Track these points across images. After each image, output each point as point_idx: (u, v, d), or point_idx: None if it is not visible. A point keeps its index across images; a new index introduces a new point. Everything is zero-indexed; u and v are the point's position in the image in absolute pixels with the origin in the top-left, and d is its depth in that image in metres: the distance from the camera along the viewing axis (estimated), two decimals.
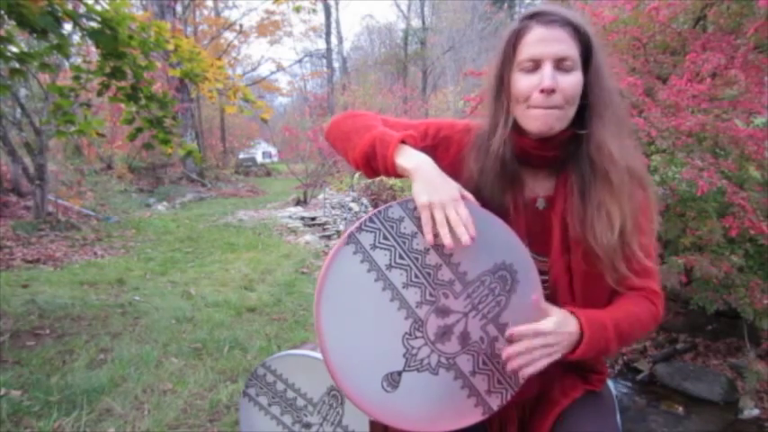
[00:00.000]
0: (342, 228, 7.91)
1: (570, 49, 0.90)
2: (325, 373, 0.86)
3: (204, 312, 3.73)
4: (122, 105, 3.49)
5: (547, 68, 0.89)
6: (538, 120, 0.91)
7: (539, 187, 1.01)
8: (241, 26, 16.84)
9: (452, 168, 0.95)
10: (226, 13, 19.06)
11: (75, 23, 2.90)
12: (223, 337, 3.21)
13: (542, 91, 0.88)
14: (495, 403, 0.92)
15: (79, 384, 2.41)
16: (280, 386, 1.31)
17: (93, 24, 2.92)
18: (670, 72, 3.41)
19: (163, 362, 2.81)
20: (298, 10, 7.53)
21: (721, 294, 3.18)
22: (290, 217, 8.84)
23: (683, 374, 3.54)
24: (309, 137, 10.74)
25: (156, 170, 12.82)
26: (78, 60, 3.79)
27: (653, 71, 3.49)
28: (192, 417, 2.28)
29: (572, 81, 0.90)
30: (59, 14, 2.71)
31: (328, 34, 23.53)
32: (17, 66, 2.89)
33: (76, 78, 3.23)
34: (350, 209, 9.04)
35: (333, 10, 23.31)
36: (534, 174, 1.01)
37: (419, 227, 0.88)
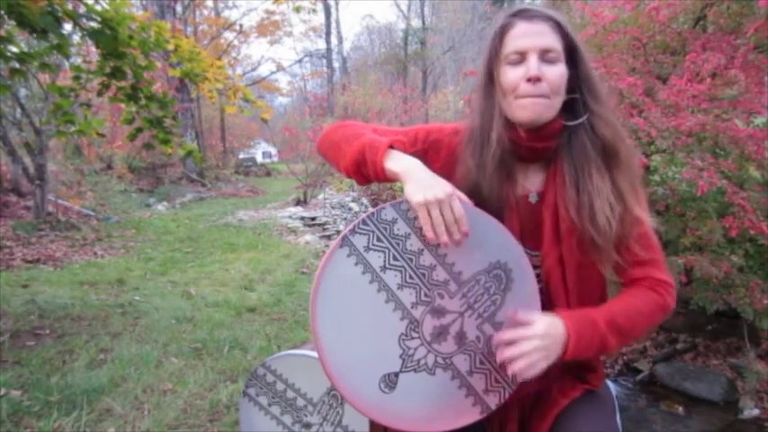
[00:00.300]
0: (342, 228, 7.92)
1: (554, 41, 0.94)
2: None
3: (204, 312, 3.73)
4: (122, 105, 3.49)
5: (532, 59, 0.93)
6: (526, 108, 0.94)
7: (529, 183, 1.03)
8: (241, 26, 16.86)
9: (444, 171, 0.96)
10: (226, 13, 19.09)
11: (75, 23, 2.91)
12: (223, 337, 3.22)
13: (529, 80, 0.92)
14: (493, 402, 0.92)
15: (79, 384, 2.41)
16: (280, 386, 1.31)
17: (93, 24, 2.92)
18: (670, 72, 3.41)
19: (163, 362, 2.81)
20: (298, 10, 7.54)
21: (721, 294, 3.18)
22: (289, 217, 8.85)
23: (683, 374, 3.54)
24: (309, 137, 10.73)
25: (156, 170, 12.83)
26: (78, 60, 3.80)
27: (653, 71, 3.49)
28: (191, 417, 2.28)
29: (557, 71, 0.94)
30: (59, 14, 2.71)
31: (328, 34, 23.55)
32: (17, 66, 2.89)
33: (76, 78, 3.23)
34: (350, 209, 9.05)
35: (333, 10, 23.33)
36: (525, 169, 1.03)
37: (413, 228, 0.88)
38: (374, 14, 43.64)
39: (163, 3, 12.66)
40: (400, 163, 0.92)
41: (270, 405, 1.33)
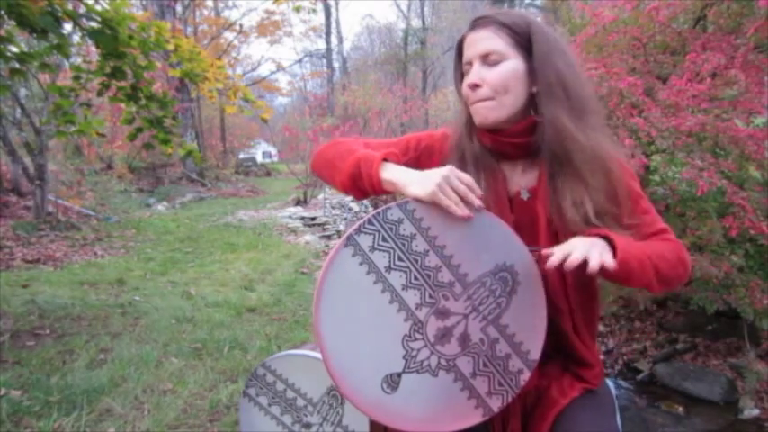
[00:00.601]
0: (342, 228, 7.92)
1: (494, 44, 0.97)
2: (326, 373, 0.86)
3: (204, 312, 3.73)
4: (122, 105, 3.48)
5: (474, 66, 0.99)
6: (476, 113, 1.01)
7: (523, 180, 1.04)
8: (241, 26, 16.83)
9: None
10: (226, 13, 19.06)
11: (76, 23, 2.90)
12: (223, 337, 3.21)
13: (469, 87, 0.99)
14: (495, 405, 0.92)
15: (79, 384, 2.41)
16: (280, 386, 1.31)
17: (93, 24, 2.92)
18: (670, 72, 3.40)
19: (163, 362, 2.81)
20: (298, 10, 7.52)
21: (721, 294, 3.18)
22: (289, 217, 8.84)
23: (683, 374, 3.54)
24: (309, 137, 10.71)
25: (156, 170, 12.81)
26: (78, 60, 3.80)
27: (653, 71, 3.49)
28: (192, 417, 2.28)
29: (497, 72, 0.97)
30: (59, 14, 2.71)
31: (328, 34, 23.55)
32: (17, 66, 2.89)
33: (76, 78, 3.23)
34: (350, 209, 9.05)
35: (333, 10, 23.34)
36: (513, 166, 1.05)
37: (418, 229, 0.88)
38: (374, 14, 43.51)
39: (163, 3, 12.64)
40: (395, 172, 0.94)
41: (270, 405, 1.33)
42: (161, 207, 10.40)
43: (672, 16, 3.48)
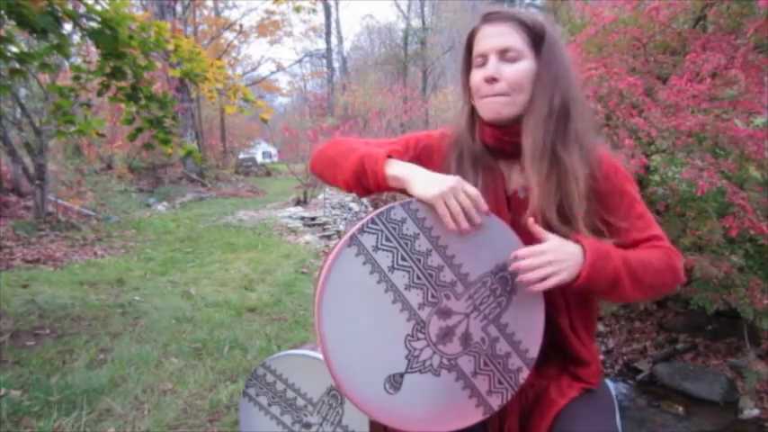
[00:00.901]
0: (342, 228, 7.91)
1: (513, 40, 0.97)
2: (326, 373, 0.85)
3: (204, 312, 3.73)
4: (122, 105, 3.48)
5: (491, 60, 0.98)
6: (487, 107, 1.00)
7: (521, 179, 1.05)
8: (241, 26, 16.83)
9: None
10: (226, 13, 19.05)
11: (76, 23, 2.90)
12: (223, 337, 3.21)
13: (486, 80, 0.97)
14: (495, 403, 0.92)
15: (79, 384, 2.41)
16: (279, 386, 1.31)
17: (93, 24, 2.92)
18: (670, 72, 3.41)
19: (163, 362, 2.81)
20: (298, 10, 7.51)
21: (721, 294, 3.18)
22: (290, 217, 8.84)
23: (683, 374, 3.54)
24: (309, 137, 10.71)
25: (156, 170, 12.80)
26: (78, 60, 3.79)
27: (653, 71, 3.49)
28: (192, 417, 2.27)
29: (516, 69, 0.97)
30: (59, 14, 2.70)
31: (328, 34, 23.56)
32: (17, 66, 2.88)
33: (76, 78, 3.22)
34: (350, 209, 9.05)
35: (333, 10, 23.35)
36: (511, 165, 1.05)
37: (421, 228, 0.88)
38: (374, 14, 43.64)
39: (163, 3, 12.64)
40: (401, 168, 0.94)
41: (270, 405, 1.33)
42: (161, 207, 10.40)
43: (672, 16, 3.49)
